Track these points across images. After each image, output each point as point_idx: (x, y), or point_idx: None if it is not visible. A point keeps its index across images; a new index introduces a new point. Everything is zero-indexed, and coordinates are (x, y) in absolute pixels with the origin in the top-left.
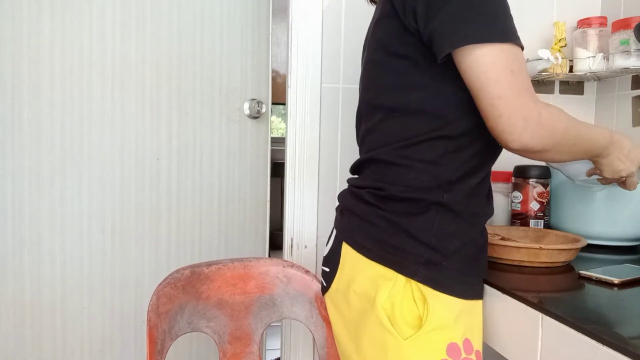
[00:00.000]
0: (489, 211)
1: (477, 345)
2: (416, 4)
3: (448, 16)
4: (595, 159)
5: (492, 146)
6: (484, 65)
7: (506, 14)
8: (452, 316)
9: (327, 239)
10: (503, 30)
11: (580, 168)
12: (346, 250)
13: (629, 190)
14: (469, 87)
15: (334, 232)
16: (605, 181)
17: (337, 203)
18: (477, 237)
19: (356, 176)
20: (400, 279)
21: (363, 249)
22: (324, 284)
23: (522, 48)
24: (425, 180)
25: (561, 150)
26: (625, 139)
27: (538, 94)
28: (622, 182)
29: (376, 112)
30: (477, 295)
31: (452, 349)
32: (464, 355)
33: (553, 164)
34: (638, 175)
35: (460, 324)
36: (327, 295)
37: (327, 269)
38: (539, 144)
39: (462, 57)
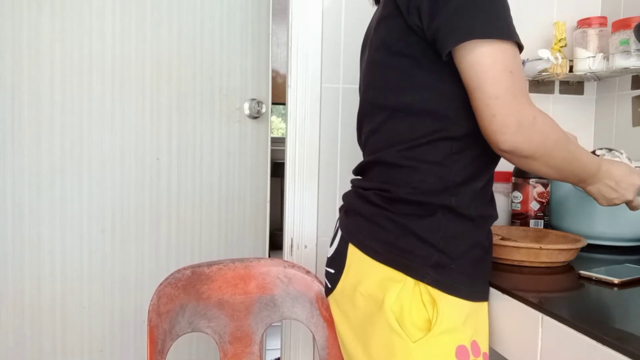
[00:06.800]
0: (493, 214)
1: (484, 347)
2: (421, 2)
3: (453, 12)
4: (582, 186)
5: None
6: (484, 64)
7: (507, 13)
8: (460, 319)
9: (329, 239)
10: (506, 28)
11: None
12: (352, 251)
13: (632, 211)
14: (466, 84)
15: (339, 232)
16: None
17: (338, 203)
18: (483, 239)
19: (360, 177)
20: (409, 281)
21: (370, 250)
22: (328, 285)
23: (522, 48)
24: (431, 182)
25: (549, 162)
26: (615, 168)
27: (538, 94)
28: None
29: (379, 112)
30: (484, 297)
31: (460, 351)
32: (472, 357)
33: None
34: None
35: (468, 326)
36: (331, 296)
37: (332, 270)
38: (528, 148)
39: (464, 54)
